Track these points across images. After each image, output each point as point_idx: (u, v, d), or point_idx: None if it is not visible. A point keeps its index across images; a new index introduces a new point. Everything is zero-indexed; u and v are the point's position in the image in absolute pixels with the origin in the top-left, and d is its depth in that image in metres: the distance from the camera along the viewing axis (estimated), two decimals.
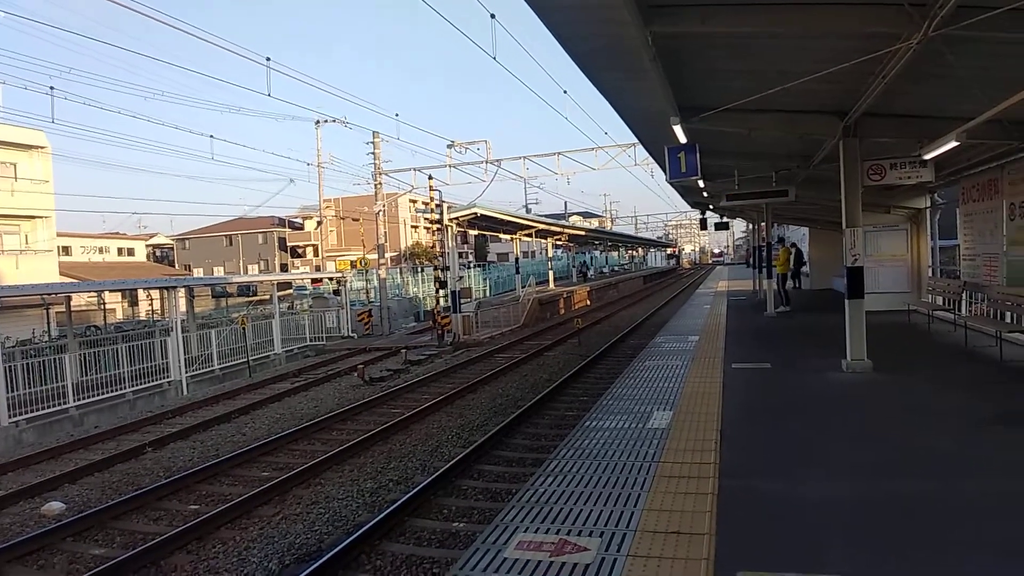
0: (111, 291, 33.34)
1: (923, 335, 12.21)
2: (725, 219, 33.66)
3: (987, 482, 4.85)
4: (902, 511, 4.41)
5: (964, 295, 12.14)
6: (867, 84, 7.13)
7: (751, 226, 31.19)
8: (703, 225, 32.89)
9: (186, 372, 17.88)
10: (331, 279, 30.75)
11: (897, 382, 8.49)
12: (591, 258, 67.63)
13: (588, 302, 36.48)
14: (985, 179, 11.15)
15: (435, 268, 24.63)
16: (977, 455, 5.50)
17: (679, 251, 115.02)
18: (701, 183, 16.02)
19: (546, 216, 46.71)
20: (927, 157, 8.72)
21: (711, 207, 26.19)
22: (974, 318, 11.44)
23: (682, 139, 9.32)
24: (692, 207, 33.30)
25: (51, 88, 25.92)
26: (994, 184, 10.79)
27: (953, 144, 7.44)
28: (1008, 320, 10.47)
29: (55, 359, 15.15)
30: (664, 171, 11.36)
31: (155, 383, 17.00)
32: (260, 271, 68.01)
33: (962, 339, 10.80)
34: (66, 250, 51.25)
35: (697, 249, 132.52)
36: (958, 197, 12.70)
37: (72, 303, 20.84)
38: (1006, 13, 4.70)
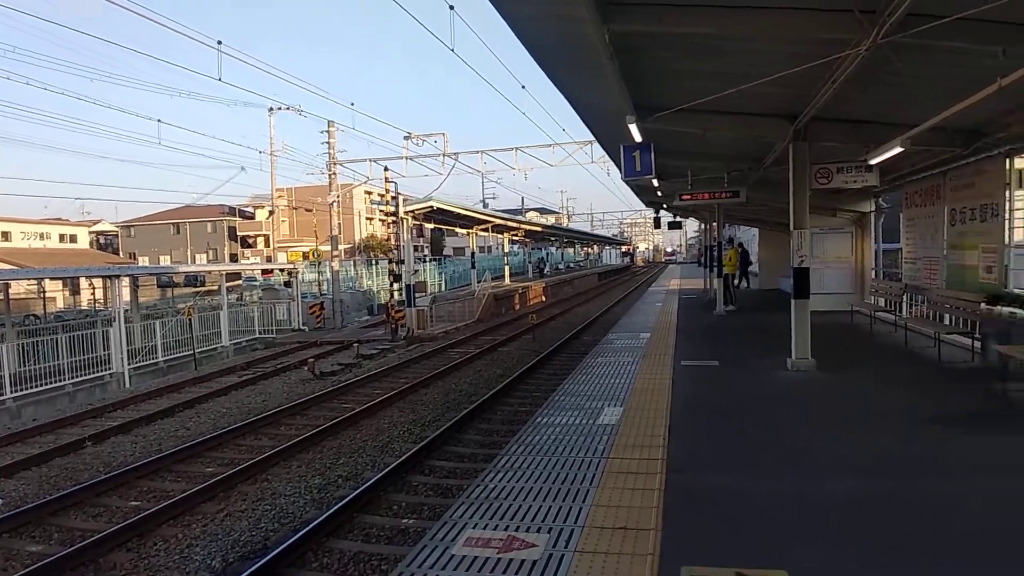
0: (51, 279, 32.12)
1: (865, 335, 12.57)
2: (678, 218, 34.09)
3: (927, 480, 5.00)
4: (844, 507, 4.52)
5: (905, 297, 12.54)
6: (817, 89, 7.28)
7: (703, 226, 31.69)
8: (657, 224, 33.31)
9: (129, 364, 17.38)
10: (282, 270, 30.24)
11: (840, 381, 8.72)
12: (548, 254, 67.96)
13: (543, 298, 36.61)
14: (928, 185, 11.52)
15: (390, 261, 24.36)
16: (917, 454, 5.68)
17: (634, 249, 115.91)
18: (655, 182, 16.19)
19: (503, 211, 46.73)
20: (873, 162, 8.99)
21: (665, 206, 26.51)
22: (914, 319, 11.83)
23: (637, 138, 9.40)
24: (647, 206, 33.64)
25: None
26: (936, 190, 11.15)
27: (898, 150, 7.67)
28: (946, 322, 10.84)
29: None
30: (620, 169, 11.45)
31: (96, 375, 16.49)
32: (209, 261, 66.45)
33: (902, 340, 11.15)
34: (5, 236, 49.43)
35: (651, 247, 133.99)
36: (902, 202, 13.10)
37: (11, 291, 20.06)
38: (953, 22, 4.84)
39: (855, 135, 9.11)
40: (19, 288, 30.37)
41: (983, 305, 8.79)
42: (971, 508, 4.46)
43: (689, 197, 14.66)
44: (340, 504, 7.12)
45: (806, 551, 3.88)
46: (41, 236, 55.72)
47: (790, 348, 9.31)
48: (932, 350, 10.03)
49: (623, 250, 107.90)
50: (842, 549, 3.90)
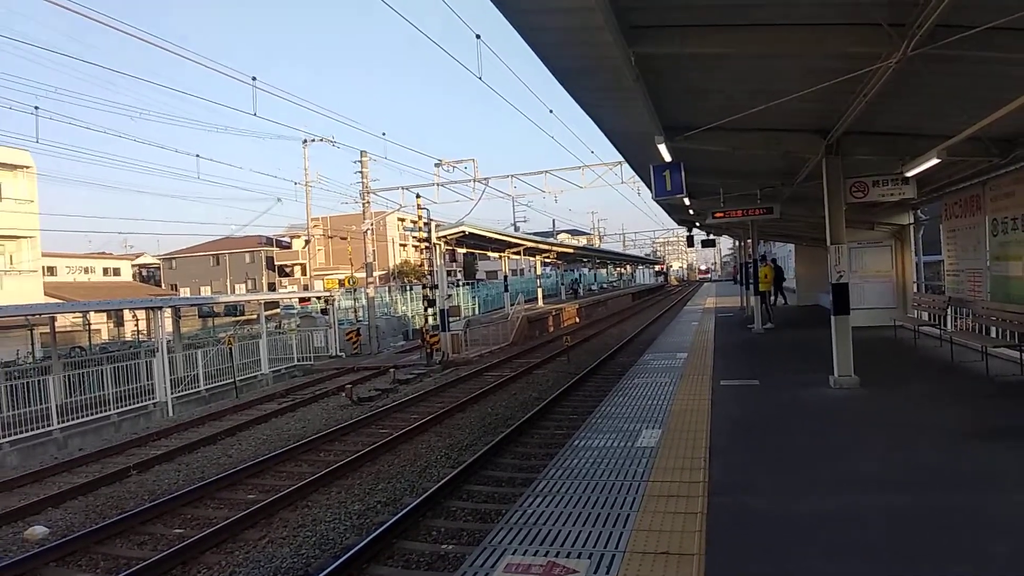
0: (96, 311, 33.04)
1: (909, 350, 12.28)
2: (711, 236, 33.84)
3: (977, 496, 4.86)
4: (894, 527, 4.40)
5: (949, 310, 12.25)
6: (848, 103, 7.21)
7: (737, 243, 31.38)
8: (690, 242, 33.05)
9: (172, 393, 17.72)
10: (319, 298, 30.63)
11: (885, 397, 8.52)
12: (580, 275, 67.85)
13: (577, 319, 36.50)
14: (967, 195, 11.29)
15: (423, 286, 24.57)
16: (966, 470, 5.52)
17: (667, 268, 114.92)
18: (687, 201, 16.11)
19: (534, 234, 46.89)
20: (909, 174, 8.84)
21: (697, 224, 26.34)
22: (959, 333, 11.53)
23: (667, 158, 9.38)
24: (679, 224, 33.50)
25: (36, 108, 25.93)
26: (976, 200, 10.92)
27: (934, 161, 7.55)
28: (993, 335, 10.55)
29: (39, 380, 14.98)
30: (650, 189, 11.43)
31: (140, 404, 16.84)
32: (247, 290, 67.61)
33: (948, 354, 10.87)
34: (51, 270, 50.87)
35: (685, 266, 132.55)
36: (941, 213, 12.83)
37: (57, 324, 20.67)
38: (983, 32, 4.78)
39: (889, 148, 8.99)
40: (65, 321, 31.28)
41: None
42: (1013, 522, 4.31)
43: (722, 215, 14.57)
44: (380, 530, 7.14)
45: (851, 572, 3.79)
46: (85, 270, 57.32)
47: (832, 365, 9.14)
48: (979, 364, 9.76)
49: (656, 269, 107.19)
50: (887, 568, 3.80)
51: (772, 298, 24.85)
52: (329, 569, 6.24)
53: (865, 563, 3.92)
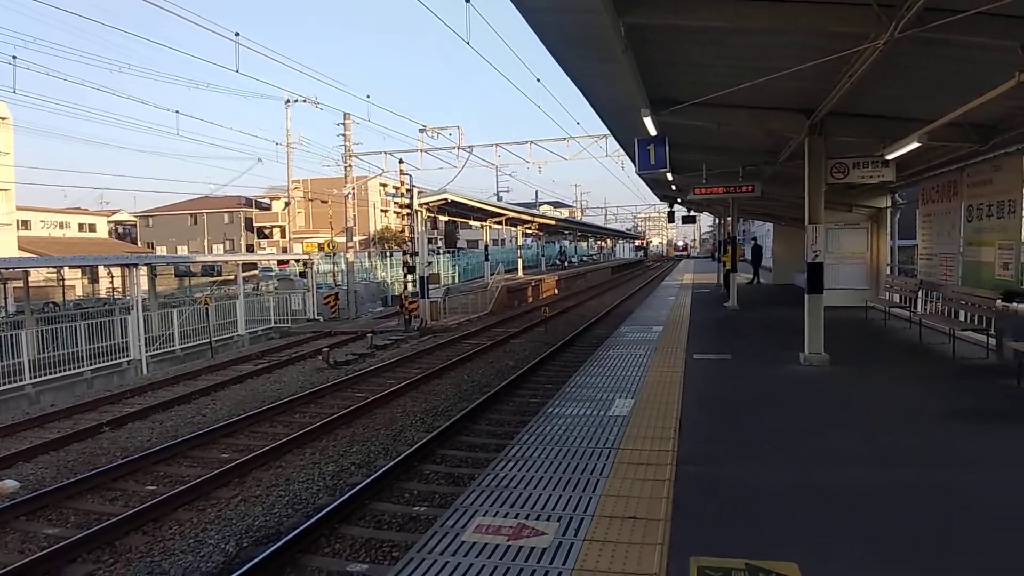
0: (71, 267, 32.57)
1: (879, 331, 12.51)
2: (692, 213, 33.96)
3: (939, 475, 5.00)
4: (855, 500, 4.53)
5: (920, 293, 12.46)
6: (834, 83, 7.24)
7: (718, 220, 31.54)
8: (671, 218, 33.19)
9: (146, 352, 17.59)
10: (298, 261, 30.42)
11: (853, 376, 8.69)
12: (572, 246, 68.03)
13: (556, 291, 36.62)
14: (945, 180, 11.43)
15: (404, 253, 24.46)
16: (928, 449, 5.68)
17: (647, 243, 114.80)
18: (670, 176, 16.14)
19: (517, 204, 46.70)
20: (889, 157, 8.92)
21: (679, 200, 26.42)
22: (929, 316, 11.75)
23: (652, 131, 9.39)
24: (661, 200, 33.56)
25: (13, 57, 25.28)
26: (953, 186, 11.06)
27: (915, 145, 7.63)
28: (961, 318, 10.77)
29: (12, 335, 14.77)
30: (634, 163, 11.44)
31: (114, 362, 16.70)
32: (225, 251, 66.95)
33: (917, 336, 11.09)
34: (25, 224, 49.95)
35: (664, 242, 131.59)
36: (918, 198, 13.00)
37: (30, 279, 20.33)
38: (971, 17, 4.81)
39: (872, 130, 9.05)
40: (39, 276, 30.77)
41: (999, 302, 8.73)
42: (980, 502, 4.46)
43: (703, 191, 14.61)
44: (353, 491, 7.20)
45: (816, 543, 3.90)
46: (60, 225, 56.35)
47: (803, 343, 9.29)
48: (947, 347, 9.97)
49: (636, 244, 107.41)
50: (852, 541, 3.91)
51: (752, 278, 25.23)
52: (301, 528, 6.29)
53: (828, 534, 4.04)
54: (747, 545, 3.83)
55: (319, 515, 6.59)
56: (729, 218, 20.72)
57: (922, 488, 4.72)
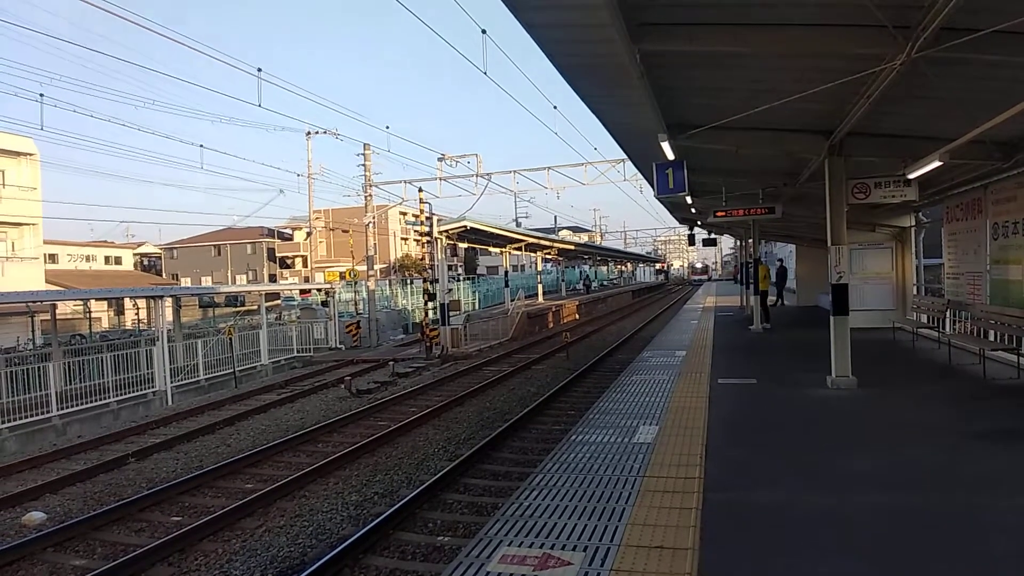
0: (97, 299, 33.11)
1: (907, 352, 12.31)
2: (713, 235, 33.85)
3: (975, 497, 4.88)
4: (888, 525, 4.43)
5: (948, 313, 12.27)
6: (852, 104, 7.23)
7: (738, 242, 31.37)
8: (691, 241, 33.08)
9: (171, 382, 17.76)
10: (319, 290, 30.66)
11: (881, 398, 8.54)
12: (593, 271, 68.12)
13: (576, 316, 36.53)
14: (969, 199, 11.30)
15: (424, 280, 24.57)
16: (963, 472, 5.55)
17: (668, 266, 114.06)
18: (689, 199, 16.14)
19: (536, 230, 46.84)
20: (911, 176, 8.85)
21: (699, 223, 26.36)
22: (958, 336, 11.55)
23: (670, 156, 9.39)
24: (680, 222, 33.49)
25: (40, 95, 25.95)
26: (978, 204, 10.93)
27: (937, 164, 7.56)
28: (991, 338, 10.57)
29: (39, 367, 15.02)
30: (652, 187, 11.44)
31: (140, 393, 16.88)
32: (248, 281, 67.65)
33: (946, 356, 10.89)
34: (53, 258, 50.89)
35: (685, 265, 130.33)
36: (942, 216, 12.85)
37: (58, 311, 20.70)
38: (987, 36, 4.79)
39: (892, 149, 9.01)
40: (65, 308, 31.32)
41: None
42: (1006, 524, 4.35)
43: (723, 214, 14.57)
44: (376, 521, 7.17)
45: (844, 569, 3.82)
46: (87, 258, 57.36)
47: (829, 366, 9.17)
48: (977, 367, 9.78)
49: (657, 267, 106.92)
50: (880, 566, 3.83)
51: (775, 299, 24.94)
52: (325, 559, 6.27)
53: (859, 562, 3.94)
54: (775, 573, 3.75)
55: (343, 545, 6.56)
56: (751, 240, 20.59)
57: (951, 511, 4.62)
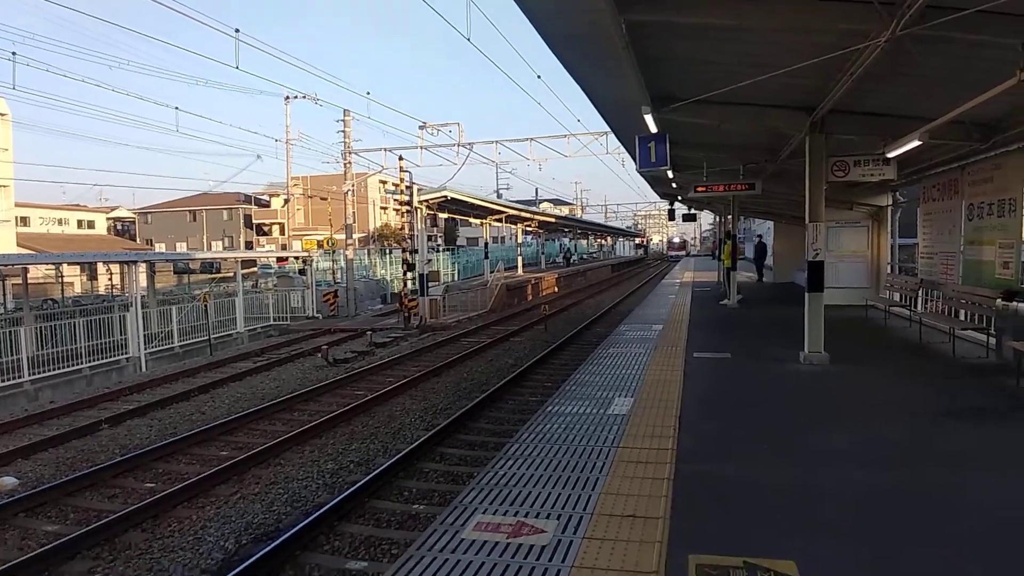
0: (69, 264, 32.55)
1: (880, 330, 12.50)
2: (693, 210, 33.97)
3: (937, 472, 5.00)
4: (853, 499, 4.53)
5: (921, 292, 12.45)
6: (835, 81, 7.23)
7: (718, 218, 31.51)
8: (671, 216, 33.19)
9: (145, 349, 17.56)
10: (297, 258, 30.39)
11: (853, 375, 8.68)
12: (574, 244, 68.14)
13: (556, 289, 36.60)
14: (946, 179, 11.40)
15: (403, 250, 24.41)
16: (930, 447, 5.67)
17: (648, 241, 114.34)
18: (670, 174, 16.14)
19: (517, 202, 46.72)
20: (890, 155, 8.90)
21: (680, 198, 26.43)
22: (929, 315, 11.75)
23: (653, 129, 9.36)
24: (661, 197, 33.57)
25: (13, 54, 25.20)
26: (954, 184, 11.04)
27: (916, 143, 7.61)
28: (962, 317, 10.76)
29: (10, 332, 14.75)
30: (634, 160, 11.43)
31: (113, 359, 16.68)
32: (224, 248, 66.91)
33: (917, 335, 11.09)
34: (24, 221, 49.94)
35: (664, 240, 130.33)
36: (919, 196, 12.97)
37: (29, 275, 20.32)
38: (972, 15, 4.80)
39: (873, 128, 9.04)
40: (37, 273, 30.76)
41: (999, 301, 8.72)
42: (975, 500, 4.46)
43: (704, 189, 14.60)
44: (352, 489, 7.19)
45: (814, 541, 3.90)
46: (59, 222, 56.37)
47: (803, 341, 9.28)
48: (946, 346, 9.96)
49: (637, 242, 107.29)
50: (849, 539, 3.91)
51: (758, 276, 25.28)
52: (300, 526, 6.29)
53: (826, 532, 4.03)
54: (745, 543, 3.82)
55: (318, 513, 6.58)
56: (730, 216, 20.70)
57: (920, 487, 4.72)
